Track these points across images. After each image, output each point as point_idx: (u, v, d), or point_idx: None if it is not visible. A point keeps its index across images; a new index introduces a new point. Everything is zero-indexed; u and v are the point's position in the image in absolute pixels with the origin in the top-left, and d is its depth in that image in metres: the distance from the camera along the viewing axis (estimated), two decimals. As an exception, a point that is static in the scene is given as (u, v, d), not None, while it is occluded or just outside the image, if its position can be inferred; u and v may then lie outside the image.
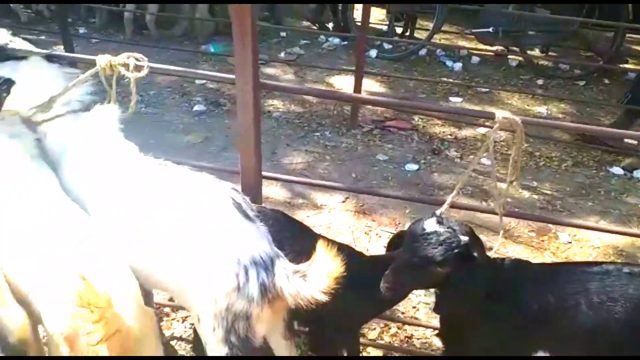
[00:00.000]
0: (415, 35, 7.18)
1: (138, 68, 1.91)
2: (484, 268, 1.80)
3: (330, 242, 1.77)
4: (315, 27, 7.51)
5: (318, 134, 4.87)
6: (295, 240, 1.89)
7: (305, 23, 7.66)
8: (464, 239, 1.71)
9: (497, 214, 2.03)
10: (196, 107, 5.19)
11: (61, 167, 1.98)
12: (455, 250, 1.68)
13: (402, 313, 2.86)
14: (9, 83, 1.81)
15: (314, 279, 1.52)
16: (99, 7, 6.71)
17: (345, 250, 1.76)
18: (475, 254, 1.73)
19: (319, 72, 6.01)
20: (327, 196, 3.88)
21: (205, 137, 4.65)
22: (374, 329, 2.76)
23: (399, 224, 3.65)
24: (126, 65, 1.92)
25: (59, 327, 1.54)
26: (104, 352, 1.44)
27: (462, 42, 7.19)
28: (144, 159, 1.90)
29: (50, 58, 1.95)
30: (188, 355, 2.53)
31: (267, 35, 6.99)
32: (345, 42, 6.98)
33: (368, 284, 1.76)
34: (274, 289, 1.60)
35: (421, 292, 2.89)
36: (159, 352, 1.75)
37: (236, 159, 2.15)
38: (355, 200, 3.87)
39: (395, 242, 2.00)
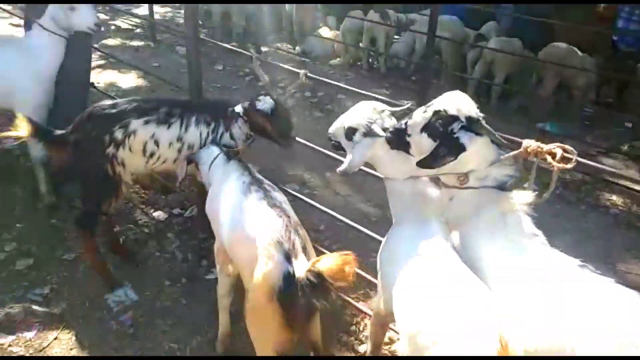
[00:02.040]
0: None
1: (565, 160, 1.93)
2: None
3: None
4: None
5: (667, 243, 4.26)
6: None
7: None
8: None
9: None
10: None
11: (464, 228, 2.13)
12: None
13: None
14: (461, 149, 2.00)
15: None
16: (446, 73, 7.24)
17: None
18: None
19: (672, 173, 5.28)
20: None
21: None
22: None
23: None
24: (552, 154, 1.96)
25: None
26: None
27: None
28: (552, 252, 1.91)
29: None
30: None
31: (610, 123, 6.52)
32: None
33: None
34: None
35: None
36: None
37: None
38: None
39: None
